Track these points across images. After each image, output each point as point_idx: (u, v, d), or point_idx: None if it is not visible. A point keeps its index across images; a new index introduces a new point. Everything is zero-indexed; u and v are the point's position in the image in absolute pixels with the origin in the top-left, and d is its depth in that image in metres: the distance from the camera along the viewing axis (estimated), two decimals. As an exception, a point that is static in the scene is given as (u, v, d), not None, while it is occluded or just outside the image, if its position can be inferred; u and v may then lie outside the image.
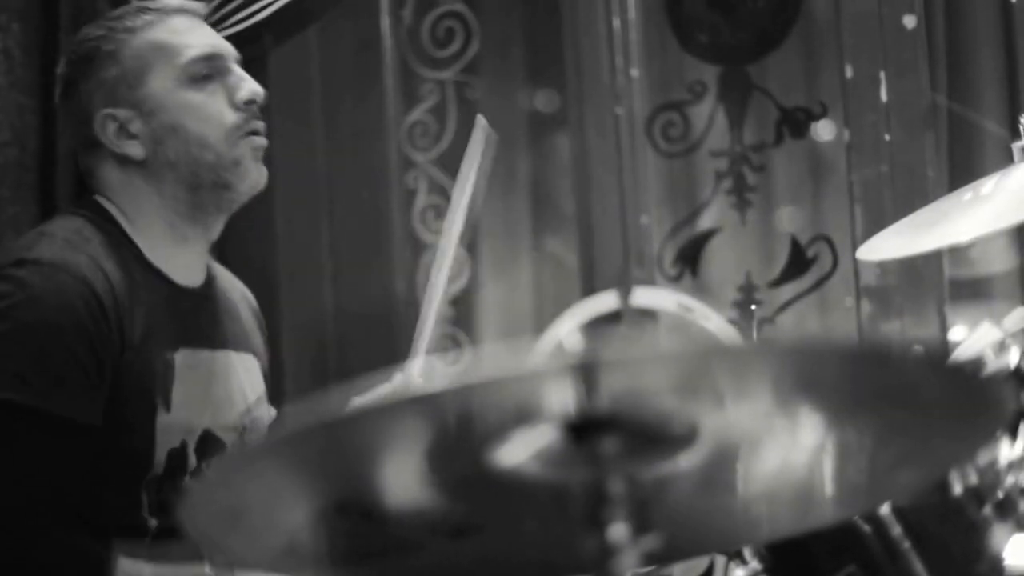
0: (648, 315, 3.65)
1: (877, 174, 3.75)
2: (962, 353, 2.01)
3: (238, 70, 2.25)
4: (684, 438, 1.21)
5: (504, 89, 4.06)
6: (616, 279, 3.82)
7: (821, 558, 1.88)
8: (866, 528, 1.87)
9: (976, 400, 1.24)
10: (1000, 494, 1.91)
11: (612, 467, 1.19)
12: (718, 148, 3.99)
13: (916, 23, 3.73)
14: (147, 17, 2.23)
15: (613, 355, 1.12)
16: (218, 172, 2.20)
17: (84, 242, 2.15)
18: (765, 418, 1.21)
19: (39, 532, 2.05)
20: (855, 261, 3.72)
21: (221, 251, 3.44)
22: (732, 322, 3.78)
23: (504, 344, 3.88)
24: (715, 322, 3.60)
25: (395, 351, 3.91)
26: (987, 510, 1.91)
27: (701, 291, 3.88)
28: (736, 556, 1.99)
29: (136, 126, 2.20)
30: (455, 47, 4.06)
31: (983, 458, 1.91)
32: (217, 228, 2.27)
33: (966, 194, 2.35)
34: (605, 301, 3.66)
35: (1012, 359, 1.98)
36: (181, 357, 2.17)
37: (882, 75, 3.74)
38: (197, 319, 2.24)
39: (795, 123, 3.94)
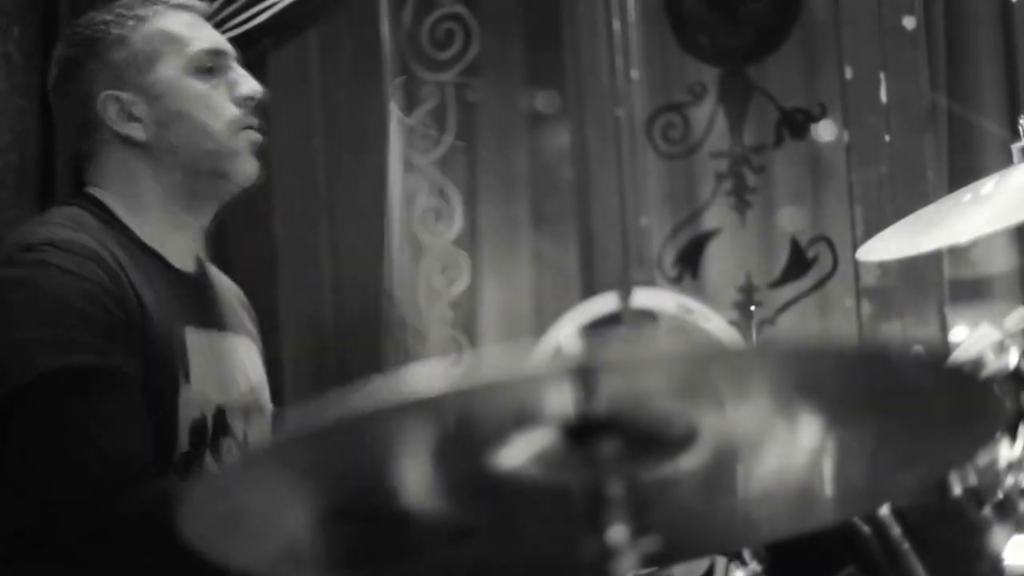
0: (648, 317, 3.64)
1: (877, 175, 3.75)
2: (961, 354, 2.01)
3: (239, 68, 2.31)
4: (684, 440, 1.21)
5: (504, 91, 4.06)
6: (616, 280, 3.82)
7: (821, 559, 1.88)
8: (866, 529, 1.87)
9: (976, 401, 1.24)
10: (1000, 495, 1.91)
11: (612, 469, 1.19)
12: (718, 149, 3.99)
13: (916, 24, 3.73)
14: (157, 7, 2.29)
15: (613, 357, 1.12)
16: (216, 161, 2.25)
17: (82, 226, 2.19)
18: (765, 419, 1.21)
19: (154, 476, 2.08)
20: (855, 262, 3.72)
21: (221, 251, 3.45)
22: (732, 323, 3.78)
23: (504, 346, 3.88)
24: (715, 323, 3.60)
25: (394, 352, 3.93)
26: (987, 511, 1.91)
27: (701, 292, 3.88)
28: (736, 557, 1.99)
29: (140, 109, 2.24)
30: (455, 49, 4.07)
31: (983, 459, 1.91)
32: (209, 216, 2.31)
33: (966, 195, 2.35)
34: (605, 303, 3.66)
35: (1012, 360, 1.99)
36: (190, 334, 2.20)
37: (882, 76, 3.74)
38: (195, 301, 2.27)
39: (795, 124, 3.94)
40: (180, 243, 2.28)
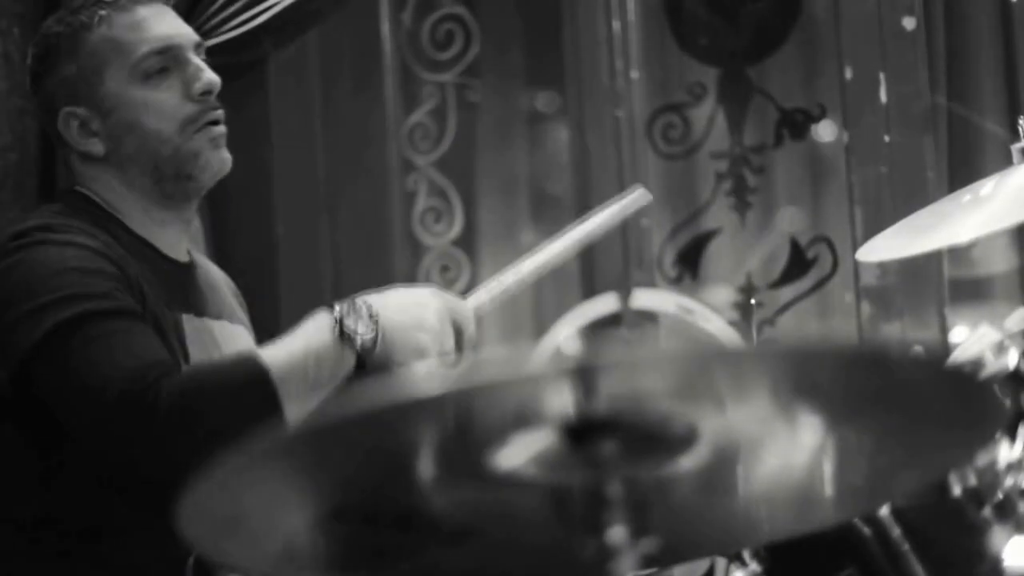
0: (648, 317, 3.64)
1: (877, 175, 3.75)
2: (961, 354, 2.01)
3: (195, 60, 2.23)
4: (684, 440, 1.20)
5: (504, 91, 4.06)
6: (616, 281, 3.82)
7: (821, 560, 1.88)
8: (866, 530, 1.87)
9: (975, 401, 1.24)
10: (999, 496, 1.91)
11: (611, 470, 1.19)
12: (718, 150, 3.99)
13: (916, 25, 3.73)
14: (102, 12, 2.21)
15: (612, 357, 1.12)
16: (179, 164, 2.21)
17: (75, 216, 2.18)
18: (765, 420, 1.21)
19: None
20: (855, 262, 3.72)
21: (221, 251, 3.45)
22: (732, 324, 3.78)
23: (503, 347, 3.88)
24: (715, 324, 3.59)
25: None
26: (986, 512, 1.91)
27: (701, 293, 3.88)
28: (736, 558, 1.99)
29: (96, 124, 2.21)
30: (455, 49, 4.07)
31: (982, 460, 1.91)
32: (190, 211, 2.29)
33: (966, 195, 2.35)
34: (605, 303, 3.65)
35: (1012, 360, 1.98)
36: (187, 321, 2.19)
37: (882, 77, 3.74)
38: (190, 289, 2.27)
39: (795, 125, 3.94)
40: (168, 238, 2.26)
